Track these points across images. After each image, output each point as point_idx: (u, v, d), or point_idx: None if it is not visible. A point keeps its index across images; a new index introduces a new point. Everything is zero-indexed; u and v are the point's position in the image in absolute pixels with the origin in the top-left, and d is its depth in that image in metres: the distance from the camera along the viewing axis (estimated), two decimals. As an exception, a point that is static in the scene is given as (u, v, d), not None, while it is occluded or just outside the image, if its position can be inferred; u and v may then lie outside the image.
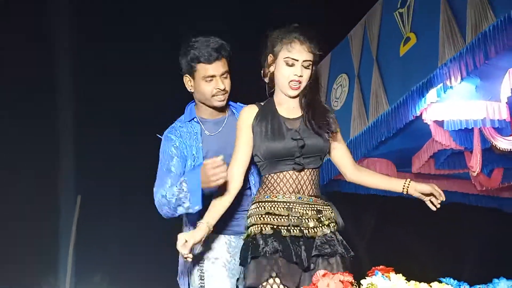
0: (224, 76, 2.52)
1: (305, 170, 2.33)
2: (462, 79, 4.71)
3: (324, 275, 2.09)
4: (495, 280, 2.28)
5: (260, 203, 2.34)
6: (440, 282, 2.21)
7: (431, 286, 2.15)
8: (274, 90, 2.44)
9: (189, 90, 2.58)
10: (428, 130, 5.78)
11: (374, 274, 2.17)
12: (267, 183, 2.36)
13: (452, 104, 5.38)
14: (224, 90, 2.52)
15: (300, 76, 2.31)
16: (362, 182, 2.53)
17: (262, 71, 2.46)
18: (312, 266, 2.29)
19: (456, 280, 2.26)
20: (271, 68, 2.39)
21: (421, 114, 5.43)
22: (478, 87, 5.31)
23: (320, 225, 2.33)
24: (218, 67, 2.48)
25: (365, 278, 2.14)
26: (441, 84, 4.95)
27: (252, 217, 2.34)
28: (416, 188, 2.51)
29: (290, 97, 2.38)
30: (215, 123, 2.61)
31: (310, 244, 2.29)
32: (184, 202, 2.38)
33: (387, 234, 14.78)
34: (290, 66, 2.31)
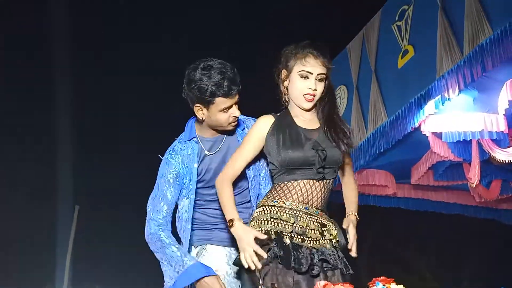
0: (237, 106, 2.54)
1: (321, 181, 2.35)
2: (460, 91, 4.74)
3: (324, 286, 2.10)
4: None
5: (266, 207, 2.35)
6: None
7: None
8: (288, 104, 2.46)
9: (200, 118, 2.54)
10: (426, 142, 5.81)
11: (375, 285, 2.17)
12: (277, 189, 2.37)
13: (450, 116, 5.40)
14: (237, 117, 2.55)
15: (315, 89, 2.34)
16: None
17: (278, 86, 2.47)
18: (314, 270, 2.28)
19: None
20: (285, 83, 2.42)
21: (419, 125, 5.45)
22: (476, 99, 5.33)
23: (323, 238, 2.35)
24: (233, 100, 2.50)
25: None
26: (439, 96, 4.97)
27: (256, 220, 2.35)
28: (344, 223, 2.50)
29: (305, 110, 2.40)
30: (215, 141, 2.61)
31: (312, 254, 2.29)
32: (169, 272, 2.44)
33: (386, 245, 14.74)
34: (305, 79, 2.34)
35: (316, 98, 2.37)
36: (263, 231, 2.28)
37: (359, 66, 6.51)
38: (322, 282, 2.12)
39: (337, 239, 2.40)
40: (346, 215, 2.53)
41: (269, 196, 2.39)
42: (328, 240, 2.36)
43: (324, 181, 2.36)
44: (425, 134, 5.65)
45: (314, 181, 2.34)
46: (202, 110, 2.50)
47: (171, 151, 2.61)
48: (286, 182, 2.35)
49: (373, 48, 6.22)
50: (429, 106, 5.16)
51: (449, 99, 4.89)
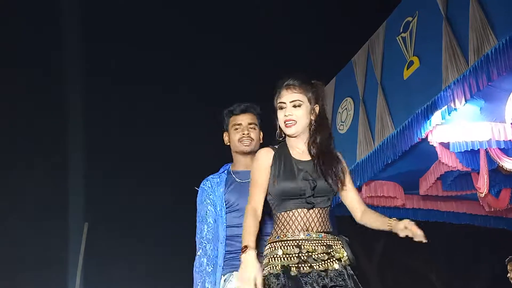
0: (251, 126, 2.99)
1: (314, 209, 2.44)
2: (466, 101, 4.73)
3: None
4: None
5: (272, 244, 2.45)
6: None
7: None
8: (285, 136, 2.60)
9: (226, 143, 3.04)
10: (434, 152, 5.77)
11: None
12: (278, 223, 2.48)
13: (458, 126, 5.37)
14: (248, 136, 2.95)
15: (290, 115, 2.49)
16: (365, 223, 2.63)
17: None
18: None
19: None
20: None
21: (426, 136, 5.42)
22: (483, 108, 5.31)
23: (331, 260, 2.39)
24: (245, 118, 2.99)
25: None
26: (446, 107, 4.97)
27: (266, 257, 2.44)
28: (396, 229, 2.50)
29: (291, 136, 2.55)
30: (247, 172, 2.88)
31: (321, 277, 2.34)
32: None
33: (395, 256, 14.66)
34: (282, 110, 2.52)
35: (300, 123, 2.50)
36: (273, 267, 2.37)
37: (364, 78, 6.52)
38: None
39: (345, 255, 2.44)
40: (388, 227, 2.52)
41: (273, 233, 2.49)
42: (336, 260, 2.40)
43: (319, 209, 2.46)
44: (432, 145, 5.61)
45: (307, 210, 2.43)
46: (227, 136, 3.05)
47: (204, 180, 3.05)
48: (282, 213, 2.46)
49: (378, 60, 6.24)
50: (436, 116, 5.16)
51: (455, 109, 4.89)
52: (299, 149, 2.56)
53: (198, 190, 3.06)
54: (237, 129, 2.98)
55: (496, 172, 6.06)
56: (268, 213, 2.61)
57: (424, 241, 2.44)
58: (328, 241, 2.43)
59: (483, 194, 6.08)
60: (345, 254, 2.45)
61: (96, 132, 14.90)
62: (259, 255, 2.38)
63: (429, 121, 5.24)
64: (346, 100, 6.89)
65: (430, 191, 6.79)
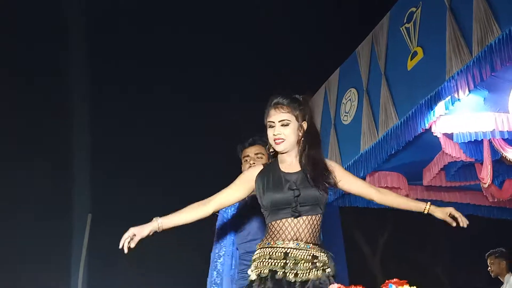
0: (258, 156, 3.46)
1: (303, 217, 2.59)
2: (469, 91, 4.74)
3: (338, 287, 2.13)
4: None
5: (262, 249, 2.62)
6: None
7: None
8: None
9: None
10: (437, 143, 5.79)
11: (388, 287, 2.19)
12: (269, 231, 2.64)
13: (461, 117, 5.39)
14: (254, 164, 3.36)
15: (278, 133, 2.66)
16: (389, 204, 2.83)
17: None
18: None
19: None
20: None
21: (430, 127, 5.44)
22: (486, 99, 5.32)
23: (315, 269, 2.53)
24: (253, 149, 3.48)
25: None
26: (449, 97, 4.98)
27: (255, 261, 2.62)
28: (434, 213, 2.82)
29: (281, 153, 2.71)
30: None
31: (303, 286, 2.49)
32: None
33: (399, 248, 14.70)
34: (271, 128, 2.69)
35: (288, 141, 2.67)
36: (260, 271, 2.56)
37: (368, 69, 6.52)
38: (335, 285, 2.15)
39: (330, 266, 2.58)
40: (425, 211, 2.81)
41: (263, 240, 2.66)
42: (321, 270, 2.54)
43: (309, 217, 2.60)
44: (436, 135, 5.63)
45: (294, 218, 2.58)
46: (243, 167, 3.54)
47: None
48: (273, 222, 2.62)
49: (382, 50, 6.24)
50: (440, 107, 5.17)
51: (459, 99, 4.90)
52: (288, 163, 2.71)
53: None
54: (246, 160, 3.47)
55: (499, 162, 6.07)
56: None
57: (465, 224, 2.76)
58: (315, 252, 2.57)
59: (487, 185, 6.10)
60: (328, 261, 2.59)
61: (100, 125, 14.96)
62: None
63: (432, 111, 5.25)
64: (350, 91, 6.89)
65: (433, 182, 6.81)
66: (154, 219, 2.58)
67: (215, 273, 3.48)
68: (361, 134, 6.41)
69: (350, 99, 6.88)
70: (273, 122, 2.68)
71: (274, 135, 2.66)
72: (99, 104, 14.86)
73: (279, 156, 2.75)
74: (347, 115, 6.90)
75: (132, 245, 2.51)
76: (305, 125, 2.71)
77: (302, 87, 2.88)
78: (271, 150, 2.76)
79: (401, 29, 5.86)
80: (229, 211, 3.54)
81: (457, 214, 2.77)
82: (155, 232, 2.59)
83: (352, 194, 7.18)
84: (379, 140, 6.05)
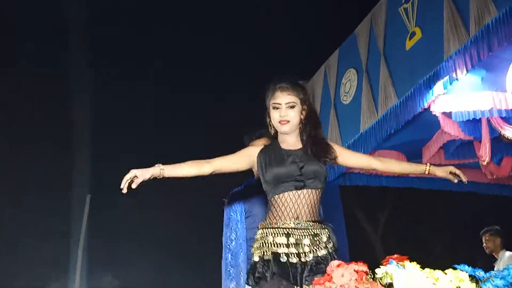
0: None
1: (305, 190, 2.70)
2: (467, 71, 4.77)
3: (338, 265, 2.18)
4: (510, 266, 2.33)
5: (264, 230, 2.73)
6: (455, 269, 2.26)
7: (446, 274, 2.21)
8: (277, 133, 2.89)
9: None
10: (436, 122, 5.85)
11: (388, 263, 2.24)
12: (271, 208, 2.75)
13: (459, 96, 5.43)
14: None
15: (285, 115, 2.77)
16: (392, 170, 2.98)
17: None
18: (307, 284, 2.57)
19: (471, 267, 2.32)
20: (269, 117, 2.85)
21: (429, 106, 5.48)
22: (484, 78, 5.37)
23: (316, 248, 2.64)
24: (259, 143, 3.43)
25: (380, 267, 2.21)
26: (447, 77, 5.01)
27: (258, 241, 2.73)
28: (435, 172, 2.96)
29: (286, 133, 2.82)
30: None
31: (306, 266, 2.60)
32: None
33: (399, 225, 14.81)
34: (277, 110, 2.79)
35: (292, 122, 2.79)
36: (264, 253, 2.65)
37: (367, 49, 6.56)
38: (336, 262, 2.21)
39: (332, 242, 2.70)
40: (426, 170, 2.95)
41: (266, 218, 2.77)
42: (322, 248, 2.65)
43: (309, 190, 2.71)
44: (435, 114, 5.69)
45: (297, 191, 2.70)
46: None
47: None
48: (275, 197, 2.72)
49: (381, 31, 6.27)
50: (438, 86, 5.20)
51: (457, 79, 4.93)
52: (289, 142, 2.83)
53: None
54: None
55: (497, 140, 6.13)
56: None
57: (465, 179, 2.97)
58: (315, 230, 2.67)
59: (485, 162, 6.16)
60: (329, 239, 2.69)
61: (102, 106, 14.98)
62: None
63: (431, 91, 5.29)
64: (350, 71, 6.93)
65: (433, 160, 6.86)
66: (156, 165, 2.61)
67: (229, 255, 3.64)
68: (361, 113, 6.46)
69: (349, 79, 6.93)
70: (280, 104, 2.78)
71: (281, 116, 2.77)
72: (99, 88, 14.89)
73: (280, 136, 2.86)
74: (346, 95, 6.95)
75: (134, 186, 2.53)
76: (305, 108, 2.83)
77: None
78: (271, 131, 2.88)
79: (399, 9, 5.88)
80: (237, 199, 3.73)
81: (458, 171, 2.96)
82: (155, 178, 2.60)
83: (352, 173, 7.33)
84: (378, 120, 6.10)
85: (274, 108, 2.80)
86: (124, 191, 2.53)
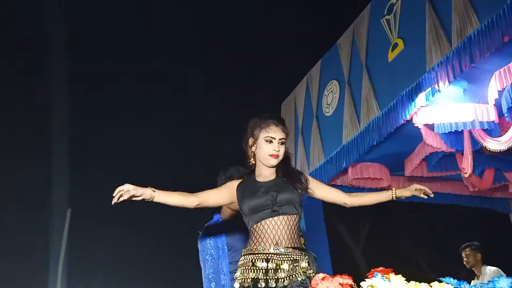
0: None
1: (281, 217, 2.81)
2: (449, 82, 4.78)
3: (323, 279, 2.14)
4: (495, 278, 2.31)
5: (246, 256, 2.84)
6: (440, 281, 2.24)
7: (431, 286, 2.19)
8: (255, 165, 3.00)
9: None
10: (419, 134, 5.83)
11: (373, 275, 2.21)
12: (251, 236, 2.86)
13: (441, 108, 5.42)
14: None
15: (278, 150, 2.91)
16: (361, 204, 3.06)
17: (246, 152, 3.03)
18: None
19: (456, 280, 2.30)
20: (253, 148, 2.97)
21: (411, 118, 5.47)
22: (466, 90, 5.36)
23: (295, 273, 2.70)
24: None
25: (364, 280, 2.18)
26: (430, 88, 5.01)
27: (239, 268, 2.84)
28: (402, 194, 3.05)
29: (271, 167, 2.94)
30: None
31: None
32: None
33: (382, 237, 14.81)
34: (270, 143, 2.91)
35: (280, 157, 2.92)
36: (244, 280, 2.75)
37: (350, 61, 6.55)
38: (321, 275, 2.17)
39: (308, 270, 2.74)
40: (393, 195, 3.05)
41: (247, 246, 2.87)
42: (301, 272, 2.71)
43: (286, 217, 2.82)
44: (417, 126, 5.67)
45: (274, 218, 2.81)
46: None
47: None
48: (254, 226, 2.83)
49: (363, 42, 6.27)
50: (420, 98, 5.20)
51: (439, 90, 4.94)
52: (265, 175, 2.95)
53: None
54: None
55: (479, 152, 6.13)
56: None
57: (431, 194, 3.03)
58: (295, 256, 2.76)
59: (467, 175, 6.14)
60: (308, 265, 2.76)
61: (80, 120, 14.86)
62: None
63: (413, 103, 5.28)
64: (332, 82, 6.92)
65: (415, 172, 6.86)
66: (149, 187, 2.70)
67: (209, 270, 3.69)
68: (343, 125, 6.44)
69: (331, 91, 6.91)
70: (274, 139, 2.92)
71: (273, 150, 2.90)
72: (79, 97, 14.75)
73: (258, 169, 2.99)
74: (329, 107, 6.93)
75: (123, 198, 2.60)
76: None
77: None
78: (251, 163, 3.00)
79: (381, 20, 5.89)
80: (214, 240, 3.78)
81: (422, 187, 3.03)
82: (143, 200, 2.68)
83: (335, 184, 7.29)
84: (361, 132, 6.08)
85: (267, 141, 2.91)
86: (114, 201, 2.59)
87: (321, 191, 3.03)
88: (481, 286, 2.42)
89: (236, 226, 3.61)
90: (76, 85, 14.72)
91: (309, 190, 2.98)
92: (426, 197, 3.05)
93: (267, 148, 2.90)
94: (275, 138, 2.91)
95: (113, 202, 2.59)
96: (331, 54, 7.07)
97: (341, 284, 2.12)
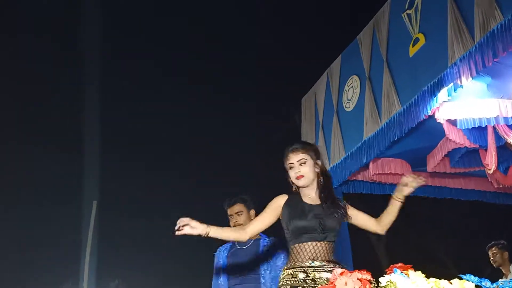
0: (239, 214, 4.33)
1: (323, 242, 3.11)
2: (472, 78, 4.71)
3: (341, 274, 2.14)
4: None
5: (286, 270, 3.15)
6: (461, 279, 2.22)
7: (452, 284, 2.17)
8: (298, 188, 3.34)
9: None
10: (441, 129, 5.76)
11: (392, 271, 2.20)
12: (291, 253, 3.17)
13: (464, 103, 5.35)
14: (236, 222, 4.27)
15: (298, 171, 3.25)
16: (386, 222, 3.42)
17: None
18: None
19: (477, 277, 2.28)
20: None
21: (433, 113, 5.40)
22: (490, 85, 5.28)
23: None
24: (234, 209, 4.38)
25: (383, 276, 2.17)
26: (452, 84, 4.94)
27: (280, 281, 3.14)
28: (402, 194, 3.48)
29: (304, 187, 3.28)
30: (245, 243, 4.22)
31: None
32: None
33: (405, 233, 14.71)
34: (292, 169, 3.27)
35: (307, 176, 3.27)
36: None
37: (370, 56, 6.50)
38: (339, 270, 2.17)
39: None
40: (397, 199, 3.51)
41: (287, 262, 3.20)
42: None
43: (326, 242, 3.13)
44: (439, 122, 5.61)
45: (317, 242, 3.11)
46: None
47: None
48: (295, 245, 3.15)
49: (384, 37, 6.21)
50: (442, 93, 5.13)
51: (461, 86, 4.87)
52: (309, 196, 3.27)
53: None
54: (230, 217, 4.36)
55: (504, 148, 6.05)
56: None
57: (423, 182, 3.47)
58: (330, 268, 3.00)
59: (491, 171, 6.07)
60: None
61: (111, 114, 15.04)
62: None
63: (435, 98, 5.20)
64: (352, 78, 6.87)
65: (437, 168, 6.79)
66: (205, 225, 3.04)
67: None
68: (364, 121, 6.40)
69: (352, 86, 6.87)
70: (293, 163, 3.27)
71: (295, 173, 3.24)
72: (112, 95, 14.92)
73: (301, 190, 3.30)
74: (349, 102, 6.89)
75: (183, 232, 2.97)
76: (319, 163, 3.30)
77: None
78: (294, 188, 3.32)
79: (402, 15, 5.83)
80: (223, 253, 4.36)
81: (411, 176, 3.50)
82: (199, 235, 3.03)
83: (356, 180, 7.26)
84: (382, 127, 6.03)
85: (290, 168, 3.27)
86: (177, 233, 2.97)
87: (357, 218, 3.36)
88: (503, 284, 2.39)
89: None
90: (109, 75, 14.87)
91: (347, 216, 3.31)
92: (417, 185, 3.45)
93: (291, 174, 3.27)
94: (293, 163, 3.26)
95: (176, 233, 2.96)
96: (352, 49, 7.02)
97: (360, 279, 2.12)
